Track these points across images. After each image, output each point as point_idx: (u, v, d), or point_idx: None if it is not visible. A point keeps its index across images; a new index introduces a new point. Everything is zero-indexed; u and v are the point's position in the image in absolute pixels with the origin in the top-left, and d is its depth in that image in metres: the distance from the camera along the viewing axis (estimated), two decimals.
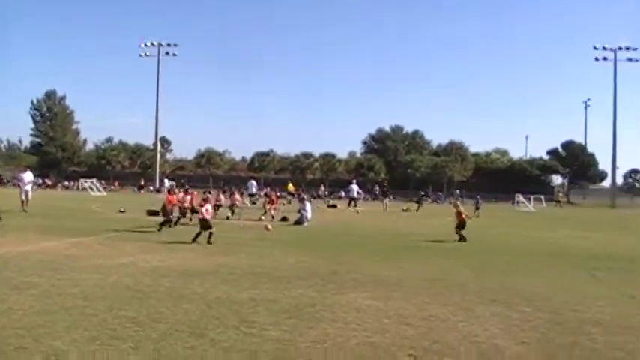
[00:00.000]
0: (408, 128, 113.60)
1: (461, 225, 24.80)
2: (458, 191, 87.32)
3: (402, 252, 20.54)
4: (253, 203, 45.76)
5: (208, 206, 22.76)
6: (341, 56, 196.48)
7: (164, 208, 26.12)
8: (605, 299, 13.11)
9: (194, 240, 20.94)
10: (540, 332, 9.90)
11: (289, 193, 63.07)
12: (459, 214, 25.13)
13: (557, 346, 9.14)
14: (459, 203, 25.81)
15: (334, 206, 51.43)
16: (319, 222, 31.77)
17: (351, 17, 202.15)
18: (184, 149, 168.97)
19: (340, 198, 58.38)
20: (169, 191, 28.47)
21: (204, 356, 8.06)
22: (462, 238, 24.01)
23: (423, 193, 64.18)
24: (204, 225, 21.59)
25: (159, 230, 24.05)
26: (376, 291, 13.05)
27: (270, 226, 23.53)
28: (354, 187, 50.57)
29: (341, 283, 13.82)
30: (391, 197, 63.51)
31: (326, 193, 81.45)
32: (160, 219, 25.80)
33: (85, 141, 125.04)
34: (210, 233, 21.26)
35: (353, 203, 48.98)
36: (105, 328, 9.22)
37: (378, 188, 77.55)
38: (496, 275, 16.10)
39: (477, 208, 49.06)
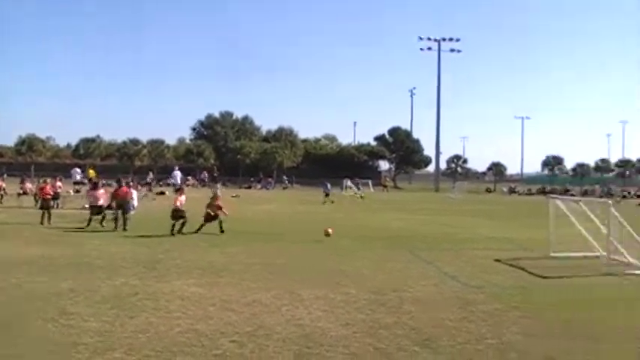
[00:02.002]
0: (238, 114, 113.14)
1: (211, 217, 22.01)
2: (286, 177, 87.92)
3: (228, 237, 20.36)
4: (77, 191, 44.02)
5: (183, 197, 22.20)
6: (168, 38, 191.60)
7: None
8: (426, 278, 13.67)
9: (173, 232, 20.98)
10: (364, 313, 10.13)
11: (89, 180, 59.42)
12: (218, 206, 22.28)
13: (380, 326, 9.37)
14: (219, 192, 24.29)
15: (162, 193, 50.39)
16: (146, 210, 31.06)
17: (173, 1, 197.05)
18: (3, 136, 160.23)
19: (169, 185, 57.42)
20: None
21: (19, 352, 7.67)
22: (200, 228, 21.54)
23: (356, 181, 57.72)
24: (178, 215, 21.37)
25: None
26: (201, 278, 12.94)
27: (330, 230, 21.59)
28: (178, 174, 50.02)
29: (165, 271, 13.62)
30: (221, 183, 63.15)
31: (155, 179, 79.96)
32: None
33: None
34: (183, 223, 21.16)
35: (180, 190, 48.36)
36: None
37: (206, 174, 76.70)
38: (322, 258, 16.40)
39: (327, 194, 48.76)
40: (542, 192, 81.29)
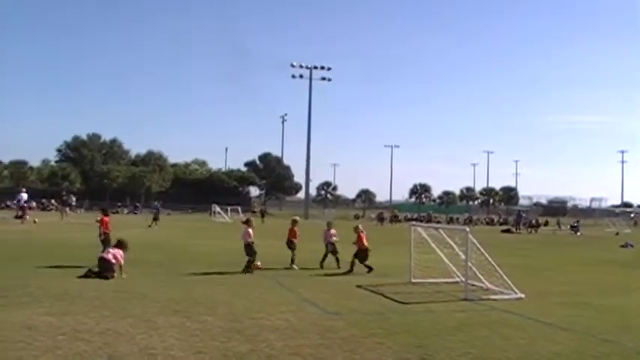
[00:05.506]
0: (106, 136, 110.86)
1: (362, 254, 20.49)
2: (157, 202, 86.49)
3: (85, 263, 19.53)
4: None
5: (250, 230, 20.16)
6: (32, 49, 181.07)
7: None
8: (285, 305, 13.57)
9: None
10: (219, 341, 9.90)
11: None
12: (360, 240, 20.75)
13: (234, 354, 9.17)
14: (360, 226, 21.71)
15: (20, 217, 48.83)
16: (5, 234, 29.82)
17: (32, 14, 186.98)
18: None
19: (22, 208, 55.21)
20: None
21: None
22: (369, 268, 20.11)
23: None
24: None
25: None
26: (53, 306, 12.35)
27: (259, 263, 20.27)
28: (24, 196, 49.13)
29: (14, 300, 12.90)
30: (71, 207, 61.51)
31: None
32: None
33: None
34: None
35: (21, 212, 47.50)
36: None
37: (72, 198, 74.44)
38: (181, 285, 16.08)
39: (155, 219, 48.25)
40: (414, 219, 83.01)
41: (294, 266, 20.55)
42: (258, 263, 20.17)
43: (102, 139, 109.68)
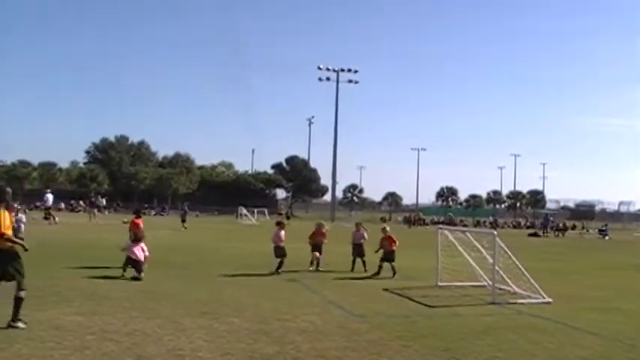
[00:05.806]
0: (134, 138, 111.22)
1: (389, 255, 20.12)
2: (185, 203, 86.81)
3: (112, 264, 19.59)
4: None
5: (282, 232, 20.25)
6: (67, 55, 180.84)
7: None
8: (312, 307, 13.60)
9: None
10: (246, 343, 9.94)
11: None
12: (389, 239, 20.42)
13: (262, 356, 9.21)
14: (387, 227, 21.51)
15: (47, 218, 49.25)
16: (36, 234, 30.03)
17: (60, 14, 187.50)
18: None
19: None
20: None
21: None
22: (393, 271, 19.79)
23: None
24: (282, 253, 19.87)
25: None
26: (82, 306, 12.48)
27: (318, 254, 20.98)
28: (50, 197, 49.40)
29: (43, 299, 12.97)
30: (100, 208, 61.80)
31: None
32: None
33: None
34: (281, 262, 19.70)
35: (48, 213, 47.90)
36: None
37: (100, 199, 74.94)
38: (208, 287, 16.11)
39: (184, 221, 48.36)
40: (445, 223, 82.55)
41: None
42: (317, 254, 20.83)
43: (129, 141, 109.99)
